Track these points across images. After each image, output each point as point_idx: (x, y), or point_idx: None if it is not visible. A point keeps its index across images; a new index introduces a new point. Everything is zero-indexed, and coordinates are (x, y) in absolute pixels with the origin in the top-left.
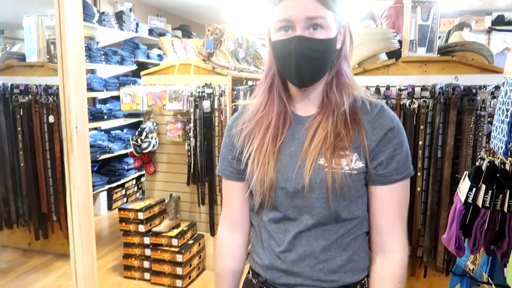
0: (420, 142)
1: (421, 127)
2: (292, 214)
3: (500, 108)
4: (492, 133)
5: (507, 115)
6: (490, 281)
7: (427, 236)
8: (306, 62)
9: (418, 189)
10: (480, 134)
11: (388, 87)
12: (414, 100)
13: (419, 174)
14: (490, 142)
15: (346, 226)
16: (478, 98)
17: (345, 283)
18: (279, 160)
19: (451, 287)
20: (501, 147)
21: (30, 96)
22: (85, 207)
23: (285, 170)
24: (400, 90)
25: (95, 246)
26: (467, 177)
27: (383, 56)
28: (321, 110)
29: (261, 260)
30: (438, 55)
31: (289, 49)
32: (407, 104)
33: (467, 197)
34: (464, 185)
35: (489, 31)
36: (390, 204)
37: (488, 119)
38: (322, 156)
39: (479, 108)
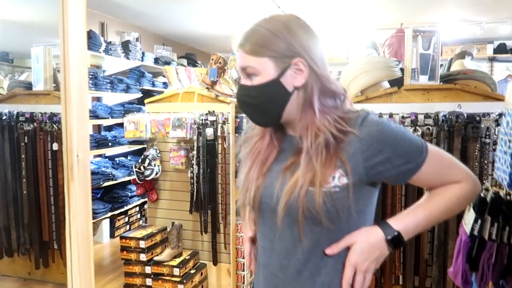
0: None
1: None
2: (270, 233)
3: (502, 138)
4: (495, 164)
5: (509, 146)
6: None
7: (435, 266)
8: (248, 108)
9: None
10: (486, 162)
11: (391, 115)
12: (417, 127)
13: None
14: (494, 173)
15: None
16: (482, 125)
17: None
18: (263, 183)
19: None
20: (505, 179)
21: (35, 124)
22: (85, 236)
23: (264, 192)
24: (403, 117)
25: (93, 276)
26: (471, 208)
27: (386, 84)
28: (301, 144)
29: None
30: (441, 83)
31: (237, 97)
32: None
33: (472, 229)
34: (469, 216)
35: (491, 59)
36: (434, 176)
37: (493, 147)
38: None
39: (484, 136)
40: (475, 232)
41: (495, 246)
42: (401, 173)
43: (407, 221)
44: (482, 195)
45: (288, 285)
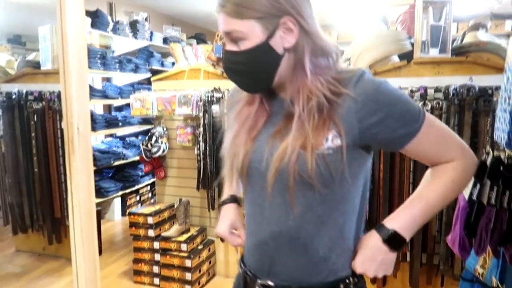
0: None
1: None
2: (260, 199)
3: (502, 96)
4: (495, 124)
5: (509, 103)
6: (500, 286)
7: (443, 244)
8: (236, 75)
9: None
10: None
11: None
12: (427, 101)
13: None
14: (494, 133)
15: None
16: (495, 99)
17: None
18: (251, 147)
19: None
20: (504, 138)
21: (43, 102)
22: (88, 209)
23: (253, 157)
24: (412, 91)
25: (97, 250)
26: None
27: (395, 58)
28: (292, 107)
29: None
30: (452, 56)
31: (223, 63)
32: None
33: (471, 193)
34: None
35: (510, 35)
36: (430, 147)
37: None
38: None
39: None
40: (474, 197)
41: (494, 211)
42: (397, 137)
43: (403, 217)
44: (482, 158)
45: (280, 253)
